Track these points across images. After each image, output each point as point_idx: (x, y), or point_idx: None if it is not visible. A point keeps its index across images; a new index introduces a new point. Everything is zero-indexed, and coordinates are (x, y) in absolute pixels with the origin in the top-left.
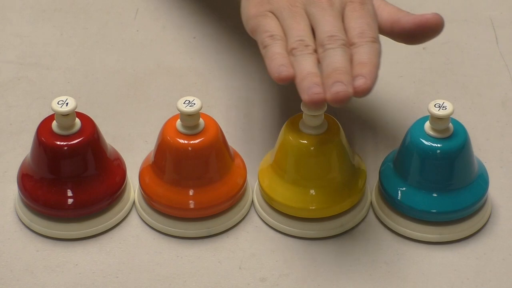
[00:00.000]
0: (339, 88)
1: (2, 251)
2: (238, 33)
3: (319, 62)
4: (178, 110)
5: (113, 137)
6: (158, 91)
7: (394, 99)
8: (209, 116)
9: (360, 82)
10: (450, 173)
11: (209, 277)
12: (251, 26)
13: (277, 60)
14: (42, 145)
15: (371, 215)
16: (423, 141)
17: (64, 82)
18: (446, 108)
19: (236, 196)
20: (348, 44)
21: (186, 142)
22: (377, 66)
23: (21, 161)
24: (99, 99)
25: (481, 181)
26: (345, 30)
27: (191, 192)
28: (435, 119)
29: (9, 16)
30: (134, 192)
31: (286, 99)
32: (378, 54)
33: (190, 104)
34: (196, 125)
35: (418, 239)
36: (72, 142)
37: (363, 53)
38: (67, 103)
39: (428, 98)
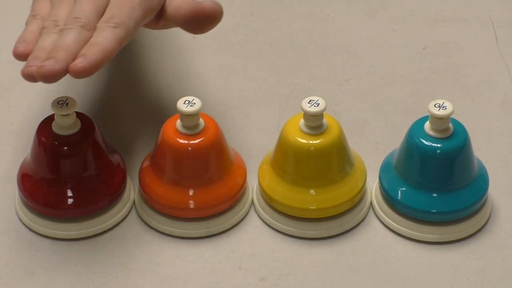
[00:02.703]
0: (46, 63)
1: (2, 251)
2: (238, 33)
3: None
4: (178, 110)
5: (113, 137)
6: (158, 91)
7: (394, 99)
8: (209, 116)
9: (77, 61)
10: (450, 173)
11: (209, 277)
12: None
13: (22, 36)
14: (42, 145)
15: (371, 215)
16: (423, 141)
17: (64, 82)
18: (446, 108)
19: (236, 196)
20: (91, 28)
21: (186, 142)
22: (106, 50)
23: (21, 161)
24: (99, 99)
25: (481, 181)
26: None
27: (191, 192)
28: (435, 119)
29: (9, 16)
30: (134, 192)
31: (286, 99)
32: (115, 40)
33: (190, 104)
34: (196, 125)
35: (418, 239)
36: (72, 142)
37: (98, 36)
38: (67, 103)
39: (428, 98)
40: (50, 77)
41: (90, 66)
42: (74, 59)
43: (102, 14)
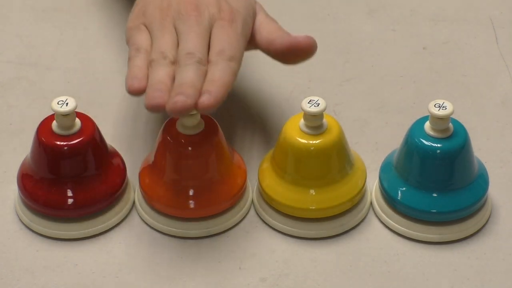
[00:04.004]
0: (178, 98)
1: (2, 251)
2: None
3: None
4: None
5: (113, 137)
6: None
7: (394, 99)
8: (209, 116)
9: (204, 98)
10: (450, 173)
11: (209, 277)
12: (126, 37)
13: (133, 73)
14: (42, 145)
15: (371, 215)
16: (423, 141)
17: (64, 82)
18: (446, 108)
19: (236, 196)
20: (205, 62)
21: (186, 142)
22: (226, 84)
23: (21, 161)
24: (99, 99)
25: (481, 181)
26: (209, 47)
27: (191, 192)
28: (435, 119)
29: (9, 16)
30: (134, 192)
31: (286, 99)
32: (232, 73)
33: None
34: (196, 125)
35: (418, 239)
36: (72, 142)
37: (216, 71)
38: (67, 103)
39: (428, 98)
40: (182, 112)
41: (216, 102)
42: (199, 94)
43: (208, 46)
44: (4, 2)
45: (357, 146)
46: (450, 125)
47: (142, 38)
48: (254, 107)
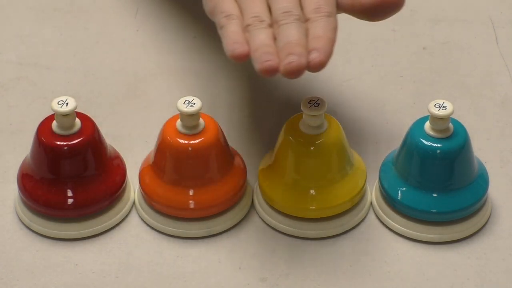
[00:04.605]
0: (291, 58)
1: (2, 251)
2: None
3: (275, 38)
4: (178, 110)
5: (113, 137)
6: (158, 91)
7: (394, 99)
8: (209, 116)
9: (314, 56)
10: (450, 173)
11: (209, 277)
12: (209, 7)
13: (231, 38)
14: (42, 145)
15: (371, 215)
16: (423, 141)
17: (64, 82)
18: (446, 108)
19: (236, 196)
20: (304, 20)
21: (186, 142)
22: (332, 40)
23: (21, 161)
24: (99, 99)
25: (481, 181)
26: (301, 6)
27: (191, 192)
28: (435, 119)
29: (9, 16)
30: (134, 192)
31: (286, 99)
32: (334, 28)
33: (190, 104)
34: (196, 125)
35: (418, 239)
36: (72, 142)
37: (318, 28)
38: (67, 103)
39: (428, 98)
40: (298, 72)
41: (326, 58)
42: (307, 52)
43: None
44: (4, 2)
45: (357, 146)
46: (450, 125)
47: (230, 5)
48: (254, 106)
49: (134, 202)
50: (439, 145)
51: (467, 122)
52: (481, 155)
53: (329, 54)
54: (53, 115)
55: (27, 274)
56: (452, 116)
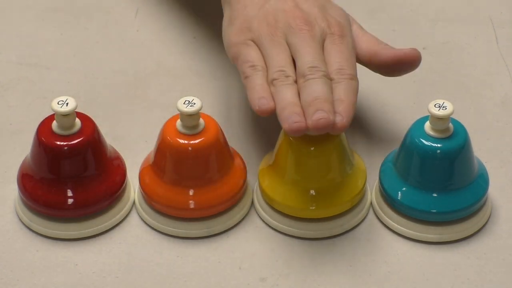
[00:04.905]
0: (320, 115)
1: (2, 251)
2: None
3: (299, 92)
4: (178, 110)
5: (113, 137)
6: (158, 91)
7: (394, 99)
8: (209, 116)
9: (338, 120)
10: (450, 173)
11: (209, 277)
12: (232, 53)
13: (258, 92)
14: (42, 145)
15: (371, 215)
16: (423, 141)
17: (64, 82)
18: (446, 108)
19: (236, 196)
20: (329, 76)
21: (186, 142)
22: (353, 103)
23: (21, 161)
24: (99, 99)
25: (481, 181)
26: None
27: (191, 192)
28: (435, 119)
29: (9, 16)
30: (134, 192)
31: None
32: (355, 91)
33: (190, 104)
34: (196, 125)
35: (418, 239)
36: (72, 142)
37: (341, 90)
38: (67, 103)
39: (428, 98)
40: (326, 128)
41: (348, 123)
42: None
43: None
44: (4, 2)
45: (357, 146)
46: (450, 125)
47: (254, 55)
48: None
49: (134, 202)
50: (439, 145)
51: (467, 122)
52: (481, 155)
53: (351, 118)
54: (53, 115)
55: (27, 274)
56: (452, 116)
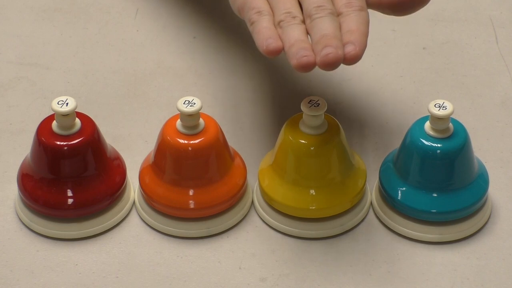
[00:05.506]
0: (328, 50)
1: (2, 251)
2: (238, 32)
3: (307, 33)
4: (178, 110)
5: (113, 137)
6: (158, 91)
7: (394, 99)
8: (209, 116)
9: (350, 49)
10: (450, 173)
11: (209, 277)
12: (238, 4)
13: (264, 34)
14: (42, 145)
15: (371, 215)
16: (423, 141)
17: (64, 82)
18: (446, 108)
19: (236, 196)
20: (336, 14)
21: (186, 142)
22: (365, 33)
23: (21, 161)
24: (99, 99)
25: (481, 181)
26: (332, 0)
27: (191, 192)
28: (435, 119)
29: (9, 16)
30: (134, 192)
31: (286, 99)
32: (366, 22)
33: (190, 104)
34: (196, 125)
35: (418, 239)
36: (72, 142)
37: (351, 21)
38: (67, 103)
39: (428, 98)
40: (335, 64)
41: (361, 51)
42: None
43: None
44: (4, 2)
45: (357, 146)
46: (450, 125)
47: (260, 2)
48: (254, 106)
49: (134, 202)
50: (439, 145)
51: (467, 122)
52: (481, 155)
53: (363, 47)
54: (53, 115)
55: (27, 274)
56: (452, 116)
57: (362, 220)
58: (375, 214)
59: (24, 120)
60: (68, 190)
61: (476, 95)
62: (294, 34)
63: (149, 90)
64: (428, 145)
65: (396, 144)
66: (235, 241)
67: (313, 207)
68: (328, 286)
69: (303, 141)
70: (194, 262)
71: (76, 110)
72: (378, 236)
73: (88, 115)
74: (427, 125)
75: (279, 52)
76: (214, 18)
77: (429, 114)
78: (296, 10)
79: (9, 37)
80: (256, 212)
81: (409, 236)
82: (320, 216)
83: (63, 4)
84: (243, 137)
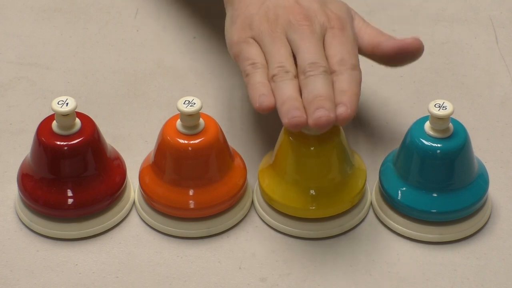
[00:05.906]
0: (321, 113)
1: (2, 251)
2: None
3: (300, 88)
4: (178, 110)
5: (113, 137)
6: (158, 91)
7: (394, 99)
8: (209, 116)
9: (342, 110)
10: (450, 173)
11: (209, 277)
12: (233, 52)
13: (258, 90)
14: (42, 145)
15: (371, 215)
16: (423, 141)
17: (64, 82)
18: (446, 108)
19: (236, 196)
20: (329, 71)
21: (186, 142)
22: (357, 94)
23: (21, 161)
24: (99, 99)
25: (481, 181)
26: (325, 56)
27: (191, 192)
28: (435, 119)
29: (9, 16)
30: (134, 192)
31: None
32: (358, 82)
33: (190, 104)
34: (196, 125)
35: (418, 239)
36: (72, 142)
37: (343, 81)
38: (67, 103)
39: (428, 98)
40: (327, 126)
41: (353, 113)
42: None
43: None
44: (4, 2)
45: (357, 146)
46: (450, 125)
47: (254, 52)
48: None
49: (134, 202)
50: (439, 145)
51: (467, 122)
52: (481, 155)
53: (355, 108)
54: (53, 115)
55: (27, 274)
56: (452, 116)
57: (362, 220)
58: (375, 214)
59: (24, 120)
60: (68, 190)
61: (476, 95)
62: (287, 91)
63: (149, 90)
64: (428, 145)
65: (396, 144)
66: (235, 241)
67: (313, 207)
68: (328, 286)
69: (303, 141)
70: (194, 262)
71: (76, 110)
72: (378, 236)
73: (88, 115)
74: (427, 125)
75: (272, 109)
76: (214, 18)
77: (429, 114)
78: (289, 64)
79: (9, 37)
80: (256, 212)
81: (409, 236)
82: (320, 216)
83: (63, 4)
84: (243, 137)
